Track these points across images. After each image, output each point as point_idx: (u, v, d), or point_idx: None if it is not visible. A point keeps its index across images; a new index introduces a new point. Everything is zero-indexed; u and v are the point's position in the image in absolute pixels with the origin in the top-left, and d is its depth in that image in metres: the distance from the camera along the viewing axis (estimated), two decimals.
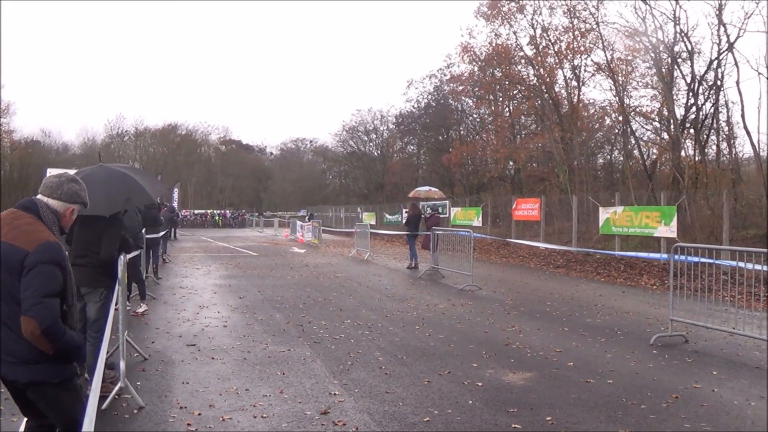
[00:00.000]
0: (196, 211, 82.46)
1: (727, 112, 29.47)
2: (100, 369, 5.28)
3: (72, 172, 4.89)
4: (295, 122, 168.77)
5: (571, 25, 35.45)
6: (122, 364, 7.16)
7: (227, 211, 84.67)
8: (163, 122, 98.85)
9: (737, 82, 26.09)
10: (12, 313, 3.87)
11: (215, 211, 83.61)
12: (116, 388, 7.01)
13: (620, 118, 34.86)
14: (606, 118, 39.11)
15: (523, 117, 45.71)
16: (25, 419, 4.42)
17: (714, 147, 30.46)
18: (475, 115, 55.43)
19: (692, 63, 29.10)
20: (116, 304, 7.43)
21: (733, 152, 30.16)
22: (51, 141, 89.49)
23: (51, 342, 3.83)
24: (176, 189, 53.55)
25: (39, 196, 4.30)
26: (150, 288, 16.02)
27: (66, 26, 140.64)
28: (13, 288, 3.87)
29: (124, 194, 7.81)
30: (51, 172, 6.50)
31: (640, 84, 34.21)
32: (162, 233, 19.89)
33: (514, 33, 38.63)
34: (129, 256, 10.00)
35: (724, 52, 26.92)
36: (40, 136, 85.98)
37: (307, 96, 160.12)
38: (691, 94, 29.26)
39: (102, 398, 6.30)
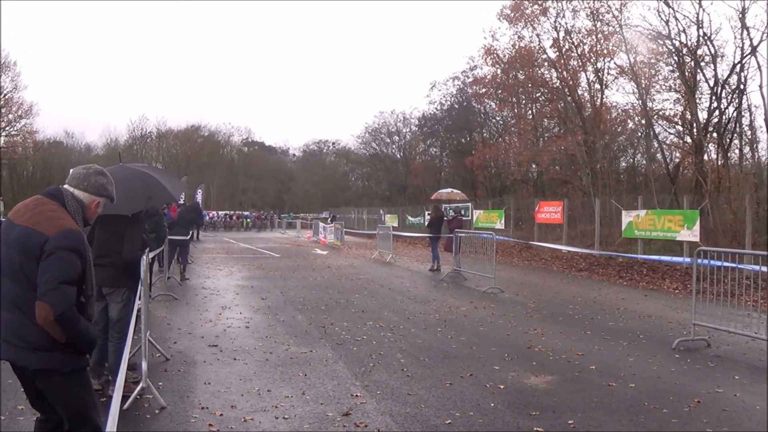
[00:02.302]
0: (228, 213, 77.66)
1: (750, 116, 29.22)
2: (123, 369, 5.33)
3: None
4: (317, 124, 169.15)
5: (594, 27, 35.43)
6: (144, 365, 7.19)
7: (260, 213, 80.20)
8: (185, 123, 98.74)
9: (760, 86, 25.97)
10: (27, 298, 3.89)
11: (244, 213, 79.16)
12: (138, 388, 7.05)
13: (643, 122, 34.77)
14: (629, 121, 38.97)
15: (545, 120, 45.59)
16: (35, 418, 4.44)
17: (737, 151, 30.28)
18: (497, 118, 55.51)
19: (715, 66, 28.98)
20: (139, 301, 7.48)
21: (756, 156, 30.03)
22: (74, 142, 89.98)
23: (64, 329, 3.84)
24: (200, 190, 53.67)
25: (66, 186, 4.31)
26: (173, 289, 16.14)
27: (90, 27, 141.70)
28: (31, 273, 3.89)
29: (146, 193, 7.74)
30: None
31: (663, 87, 34.06)
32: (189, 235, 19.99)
33: (537, 35, 38.61)
34: (151, 254, 10.05)
35: (747, 55, 26.83)
36: (63, 136, 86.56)
37: (329, 98, 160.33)
38: (714, 97, 29.12)
39: (124, 398, 6.32)
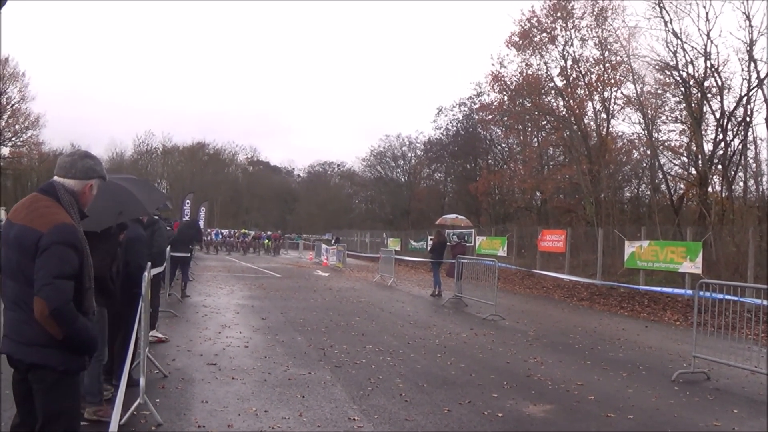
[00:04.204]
0: (245, 232, 67.07)
1: (756, 148, 29.30)
2: (123, 387, 5.30)
3: None
4: (323, 145, 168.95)
5: (602, 57, 35.58)
6: (142, 381, 7.18)
7: (278, 233, 70.27)
8: (191, 140, 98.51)
9: (766, 119, 26.03)
10: (26, 295, 3.93)
11: (265, 233, 68.31)
12: (135, 404, 7.03)
13: (648, 152, 34.81)
14: (634, 151, 39.02)
15: (551, 148, 45.65)
16: (13, 418, 4.40)
17: (741, 184, 30.35)
18: (503, 145, 55.63)
19: (722, 98, 29.08)
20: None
21: (761, 189, 30.01)
22: None
23: (60, 324, 3.86)
24: (203, 208, 53.64)
25: (55, 178, 4.32)
26: (174, 306, 16.12)
27: (99, 40, 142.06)
28: (28, 270, 3.92)
29: (116, 208, 7.19)
30: None
31: (669, 118, 34.14)
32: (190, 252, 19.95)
33: (545, 63, 38.77)
34: (153, 272, 9.98)
35: (754, 88, 26.93)
36: (68, 149, 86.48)
37: (335, 120, 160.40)
38: (719, 129, 29.20)
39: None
